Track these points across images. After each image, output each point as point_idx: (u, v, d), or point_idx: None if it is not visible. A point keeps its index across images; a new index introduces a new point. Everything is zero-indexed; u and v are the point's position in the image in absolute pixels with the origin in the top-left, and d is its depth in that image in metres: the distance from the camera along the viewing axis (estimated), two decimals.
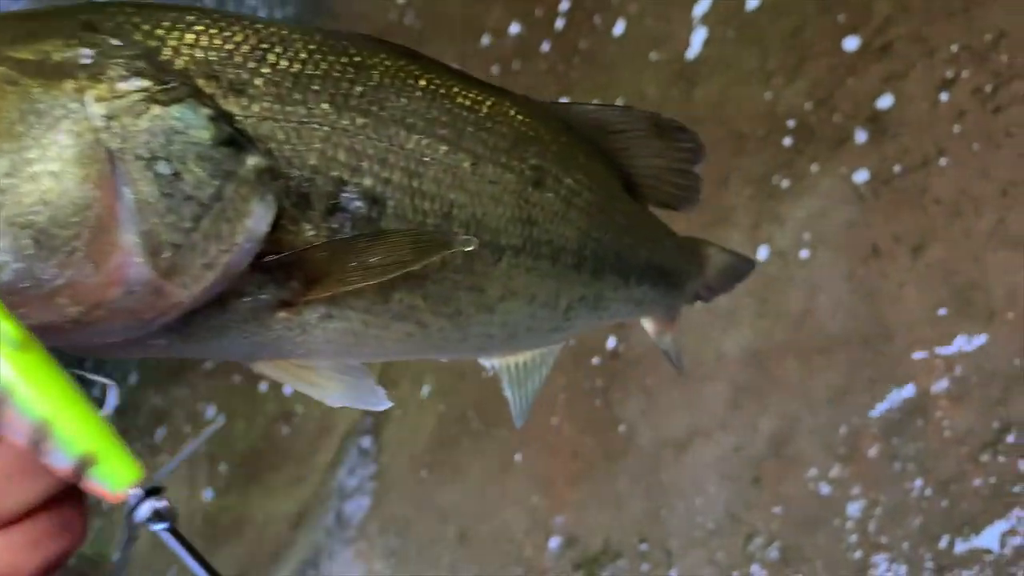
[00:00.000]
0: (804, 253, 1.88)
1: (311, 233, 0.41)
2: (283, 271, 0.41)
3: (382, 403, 0.46)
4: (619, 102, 2.25)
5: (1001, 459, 1.48)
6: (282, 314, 0.42)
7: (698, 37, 2.21)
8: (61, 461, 0.30)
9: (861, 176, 1.85)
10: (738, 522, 1.75)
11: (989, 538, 1.45)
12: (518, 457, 2.16)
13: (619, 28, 2.34)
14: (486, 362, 0.65)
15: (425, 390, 2.42)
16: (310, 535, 2.48)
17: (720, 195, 2.02)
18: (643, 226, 0.66)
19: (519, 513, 2.09)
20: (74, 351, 0.38)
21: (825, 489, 1.66)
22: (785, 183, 1.97)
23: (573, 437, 2.08)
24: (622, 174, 0.63)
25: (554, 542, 2.01)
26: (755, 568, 1.70)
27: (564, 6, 2.49)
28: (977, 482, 1.49)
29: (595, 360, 2.10)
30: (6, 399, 0.29)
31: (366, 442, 2.50)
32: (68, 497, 0.37)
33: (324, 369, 0.45)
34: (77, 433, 0.30)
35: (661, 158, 0.63)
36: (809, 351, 1.80)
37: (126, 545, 0.32)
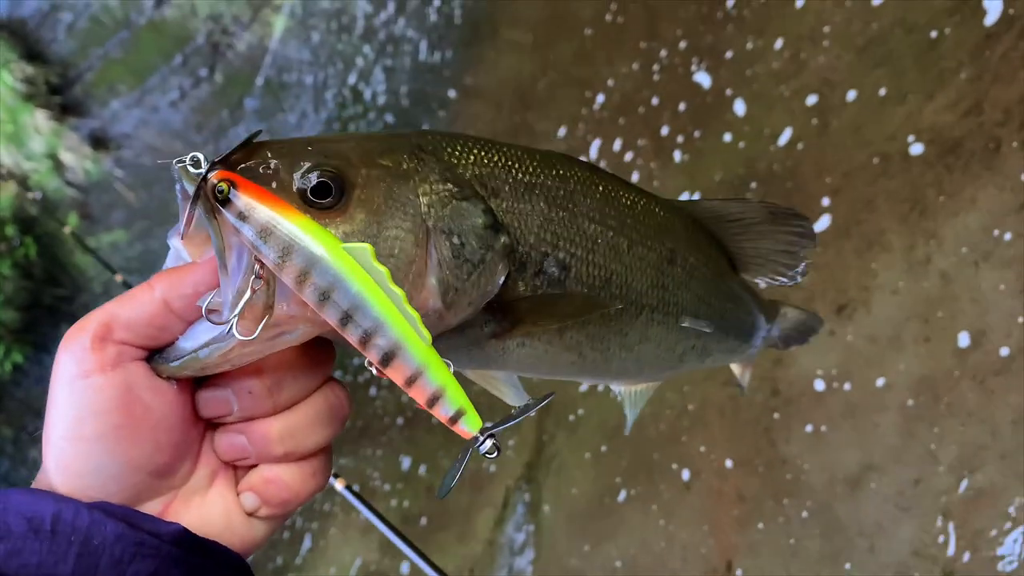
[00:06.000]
0: (967, 272, 1.79)
1: (521, 288, 0.59)
2: (501, 312, 0.58)
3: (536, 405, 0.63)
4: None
5: None
6: (493, 341, 0.60)
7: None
8: (446, 411, 0.48)
9: (1018, 184, 1.76)
10: (925, 559, 1.66)
11: None
12: (682, 503, 2.13)
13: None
14: (615, 388, 0.89)
15: (586, 451, 2.44)
16: None
17: (872, 218, 1.98)
18: (741, 294, 0.83)
19: (689, 560, 2.06)
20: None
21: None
22: (941, 199, 1.90)
23: (738, 479, 2.04)
24: (735, 253, 0.80)
25: None
26: None
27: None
28: None
29: (757, 397, 2.07)
30: (423, 372, 0.47)
31: (528, 495, 2.54)
32: (335, 385, 0.54)
33: (501, 379, 0.65)
34: (456, 396, 0.48)
35: (769, 240, 0.78)
36: (984, 373, 1.71)
37: (463, 465, 0.50)
